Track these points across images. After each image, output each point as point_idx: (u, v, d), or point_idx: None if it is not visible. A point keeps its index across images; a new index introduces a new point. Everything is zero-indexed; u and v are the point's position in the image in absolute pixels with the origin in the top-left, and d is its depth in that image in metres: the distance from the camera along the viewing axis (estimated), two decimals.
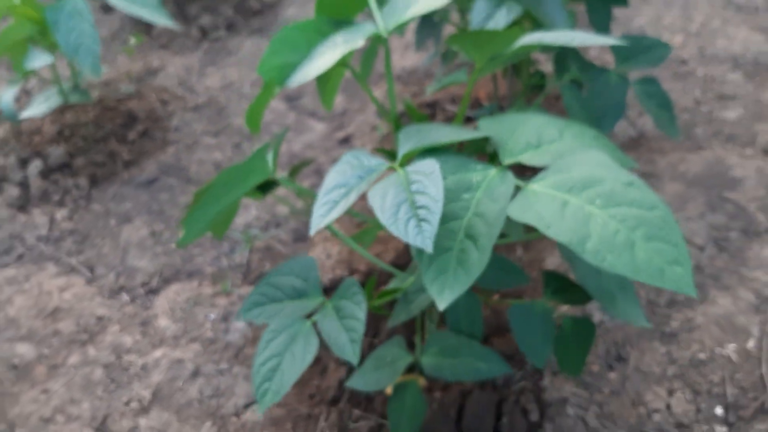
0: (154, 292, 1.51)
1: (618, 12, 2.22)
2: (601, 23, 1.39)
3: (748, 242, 1.47)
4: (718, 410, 1.21)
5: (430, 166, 0.80)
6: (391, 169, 0.86)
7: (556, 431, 1.19)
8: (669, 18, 2.15)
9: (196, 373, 1.32)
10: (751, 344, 1.28)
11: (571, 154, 0.81)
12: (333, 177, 0.86)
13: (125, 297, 1.50)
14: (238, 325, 1.41)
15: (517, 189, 0.80)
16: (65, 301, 1.47)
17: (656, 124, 1.41)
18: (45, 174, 1.74)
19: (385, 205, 0.79)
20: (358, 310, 0.88)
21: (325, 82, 1.20)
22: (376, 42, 1.22)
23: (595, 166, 0.78)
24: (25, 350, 1.38)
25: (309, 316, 0.94)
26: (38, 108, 1.71)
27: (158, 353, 1.37)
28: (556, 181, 0.78)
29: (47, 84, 1.91)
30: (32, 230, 1.64)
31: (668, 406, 1.22)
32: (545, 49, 1.40)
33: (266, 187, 1.10)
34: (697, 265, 1.43)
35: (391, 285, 1.09)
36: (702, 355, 1.28)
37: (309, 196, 1.13)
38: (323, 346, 1.03)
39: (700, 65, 1.95)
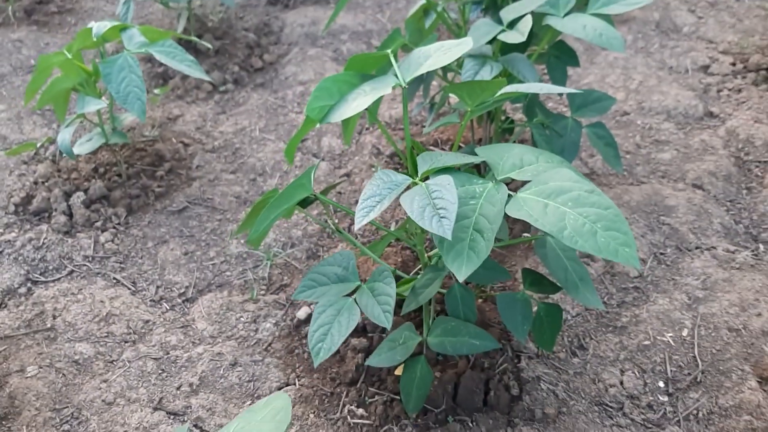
0: (190, 301, 1.77)
1: (570, 72, 2.61)
2: (559, 79, 1.75)
3: (681, 256, 1.82)
4: (661, 384, 1.52)
5: (446, 179, 1.11)
6: (413, 184, 1.17)
7: (532, 402, 1.49)
8: (612, 77, 2.55)
9: (234, 364, 1.59)
10: (685, 333, 1.61)
11: (546, 172, 1.14)
12: (369, 189, 1.16)
13: (165, 305, 1.76)
14: (267, 326, 1.68)
15: (509, 197, 1.12)
16: (115, 308, 1.72)
17: (604, 160, 1.76)
18: (87, 204, 2.01)
19: (413, 208, 1.10)
20: (389, 288, 1.18)
21: (347, 122, 1.52)
22: (378, 101, 1.54)
23: (565, 179, 1.11)
24: (84, 349, 1.63)
25: (350, 294, 1.23)
26: (84, 147, 1.99)
27: (200, 349, 1.63)
28: (538, 190, 1.10)
29: (85, 126, 2.19)
30: (79, 251, 1.89)
31: (621, 382, 1.53)
32: (515, 100, 1.75)
33: (306, 202, 1.40)
34: (640, 274, 1.77)
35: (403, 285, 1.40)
36: (647, 342, 1.60)
37: (342, 210, 1.44)
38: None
39: (639, 116, 2.34)
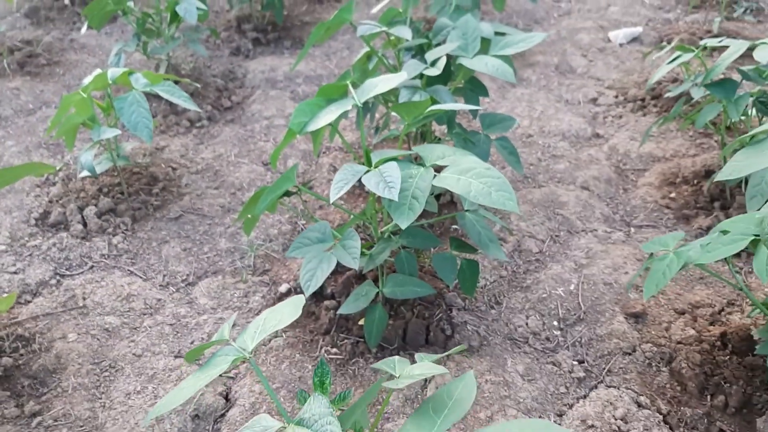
0: (191, 284, 2.23)
1: (486, 105, 3.21)
2: (473, 103, 2.32)
3: (571, 237, 2.38)
4: (555, 323, 2.06)
5: (392, 165, 1.64)
6: (370, 170, 1.69)
7: (461, 338, 2.00)
8: (519, 108, 3.16)
9: (234, 325, 2.05)
10: (572, 287, 2.16)
11: (459, 159, 1.68)
12: (339, 174, 1.68)
13: (172, 288, 2.21)
14: (256, 298, 2.16)
15: (435, 176, 1.65)
16: (132, 290, 2.17)
17: (509, 164, 2.33)
18: (98, 215, 2.45)
19: (371, 183, 1.61)
20: (355, 243, 1.69)
21: (316, 136, 2.04)
22: (341, 117, 2.07)
23: (471, 162, 1.65)
24: (112, 320, 2.06)
25: (328, 250, 1.73)
26: (97, 168, 2.44)
27: (204, 317, 2.09)
28: (454, 170, 1.64)
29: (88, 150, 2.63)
30: (96, 251, 2.33)
31: (527, 324, 2.06)
32: (439, 120, 2.30)
33: (289, 193, 1.90)
34: (540, 250, 2.33)
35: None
36: (544, 296, 2.14)
37: (317, 198, 1.94)
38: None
39: (540, 138, 2.94)
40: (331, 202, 1.62)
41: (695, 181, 2.60)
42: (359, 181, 1.70)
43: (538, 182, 2.67)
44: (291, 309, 1.33)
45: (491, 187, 1.59)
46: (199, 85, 2.97)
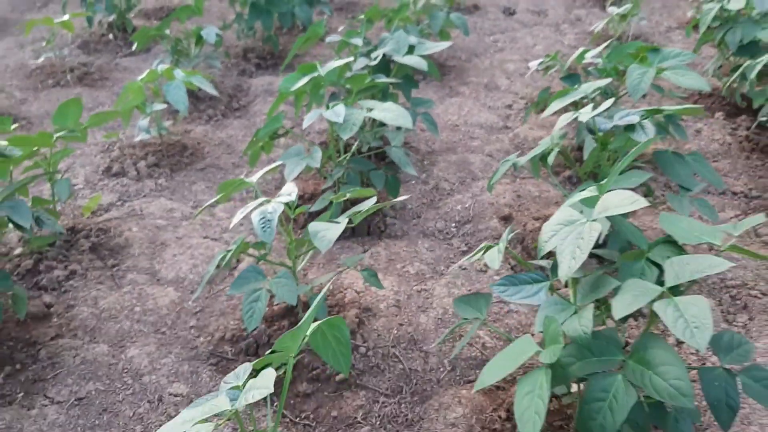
0: (212, 207, 3.29)
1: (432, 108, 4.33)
2: (406, 94, 3.43)
3: (473, 182, 3.47)
4: (452, 224, 3.12)
5: (341, 107, 2.73)
6: (328, 110, 2.78)
7: (391, 232, 3.05)
8: (452, 109, 4.29)
9: (241, 224, 3.10)
10: (467, 205, 3.23)
11: (382, 104, 2.78)
12: (308, 117, 2.77)
13: (200, 207, 3.27)
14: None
15: (369, 111, 2.75)
16: (173, 207, 3.23)
17: (429, 130, 3.42)
18: (147, 167, 3.53)
19: (329, 115, 2.71)
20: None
21: (297, 97, 3.15)
22: (311, 82, 3.17)
23: (388, 105, 2.75)
24: (160, 222, 3.11)
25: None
26: (149, 134, 3.53)
27: (222, 222, 3.14)
28: (378, 109, 2.74)
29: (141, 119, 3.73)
30: (147, 187, 3.40)
31: (435, 225, 3.12)
32: (381, 95, 3.41)
33: (278, 135, 2.99)
34: (451, 189, 3.40)
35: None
36: (449, 210, 3.21)
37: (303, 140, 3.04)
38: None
39: (464, 126, 4.07)
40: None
41: (571, 152, 3.70)
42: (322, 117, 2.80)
43: (456, 152, 3.77)
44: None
45: (398, 115, 2.68)
46: (216, 93, 4.10)
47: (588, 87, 2.82)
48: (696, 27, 4.15)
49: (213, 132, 4.02)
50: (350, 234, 3.03)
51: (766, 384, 1.75)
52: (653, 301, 1.57)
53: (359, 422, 2.11)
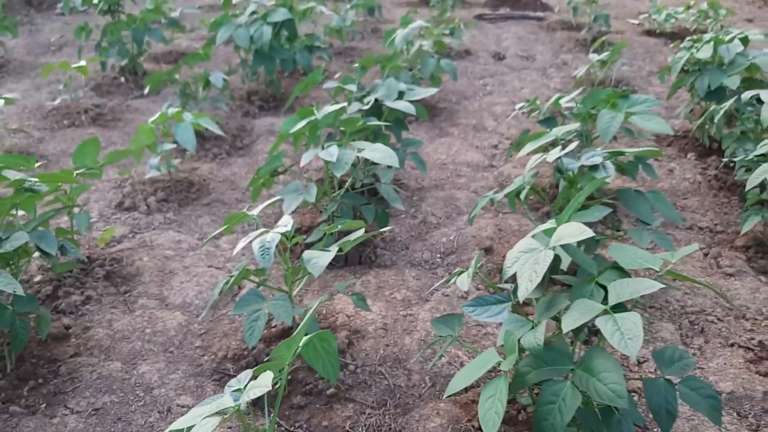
0: (216, 238, 3.56)
1: (423, 148, 4.63)
2: (397, 135, 3.73)
3: (459, 216, 3.74)
4: (438, 255, 3.39)
5: (334, 148, 3.02)
6: (323, 150, 3.07)
7: (381, 263, 3.32)
8: (441, 149, 4.59)
9: (243, 255, 3.37)
10: (451, 238, 3.50)
11: (372, 145, 3.08)
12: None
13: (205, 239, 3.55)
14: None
15: (359, 152, 3.04)
16: (181, 238, 3.50)
17: (417, 168, 3.71)
18: (157, 202, 3.82)
19: (324, 155, 3.00)
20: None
21: (297, 138, 3.44)
22: (309, 125, 3.46)
23: (378, 146, 3.04)
24: (169, 252, 3.39)
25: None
26: (159, 171, 3.82)
27: (225, 251, 3.41)
28: (368, 149, 3.03)
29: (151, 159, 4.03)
30: (156, 221, 3.68)
31: (422, 256, 3.38)
32: (372, 136, 3.70)
33: (277, 173, 3.28)
34: (437, 222, 3.68)
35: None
36: (434, 242, 3.47)
37: (303, 178, 3.33)
38: None
39: (451, 165, 4.36)
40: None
41: (549, 189, 3.99)
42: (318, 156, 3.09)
43: (444, 189, 4.06)
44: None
45: (386, 155, 2.97)
46: (222, 133, 4.41)
47: (559, 130, 3.12)
48: (669, 73, 4.47)
49: (218, 169, 4.32)
50: (343, 264, 3.30)
51: (702, 393, 2.00)
52: (596, 317, 1.83)
53: (347, 431, 2.34)
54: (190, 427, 1.62)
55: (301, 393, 2.49)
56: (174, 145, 3.72)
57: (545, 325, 1.96)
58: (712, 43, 4.15)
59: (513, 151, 4.26)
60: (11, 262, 2.48)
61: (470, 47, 6.92)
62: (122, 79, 5.71)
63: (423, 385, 2.55)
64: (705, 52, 4.21)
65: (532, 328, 1.98)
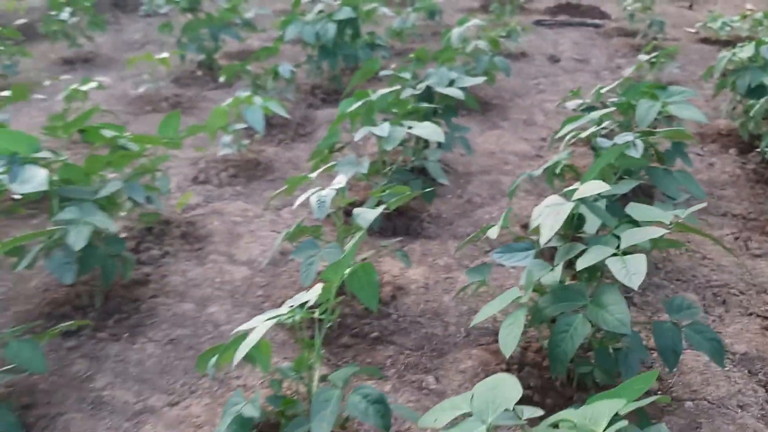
0: (278, 209, 3.93)
1: (471, 138, 4.91)
2: (448, 121, 4.02)
3: (502, 197, 4.00)
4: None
5: (386, 124, 3.34)
6: (375, 127, 3.39)
7: (426, 234, 3.61)
8: (491, 140, 4.85)
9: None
10: (494, 215, 3.77)
11: (421, 123, 3.38)
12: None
13: (269, 211, 3.91)
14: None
15: (409, 128, 3.35)
16: (247, 208, 3.88)
17: (464, 149, 3.98)
18: (227, 177, 4.22)
19: (377, 131, 3.32)
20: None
21: (353, 117, 3.78)
22: (364, 105, 3.79)
23: (427, 124, 3.34)
24: (236, 218, 3.77)
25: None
26: (229, 149, 4.22)
27: (289, 221, 3.77)
28: (418, 126, 3.34)
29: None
30: (226, 193, 4.08)
31: (465, 231, 3.66)
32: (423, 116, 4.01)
33: (334, 149, 3.62)
34: (481, 202, 3.95)
35: None
36: (478, 219, 3.75)
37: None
38: None
39: (499, 154, 4.62)
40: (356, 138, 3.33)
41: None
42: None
43: (490, 174, 4.33)
44: None
45: (433, 131, 3.28)
46: (288, 117, 4.80)
47: (596, 114, 3.36)
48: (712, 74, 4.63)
49: (282, 152, 4.70)
50: (391, 234, 3.61)
51: (705, 336, 2.23)
52: (607, 257, 2.09)
53: (388, 367, 2.65)
54: (252, 329, 1.95)
55: (348, 335, 2.80)
56: (245, 125, 4.12)
57: (562, 269, 2.22)
58: (753, 44, 4.31)
59: (555, 138, 4.50)
60: (105, 209, 2.87)
61: (526, 50, 7.16)
62: (199, 73, 6.20)
63: (458, 335, 2.83)
64: (747, 52, 4.37)
65: (551, 270, 2.24)
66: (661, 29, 7.18)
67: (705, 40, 7.63)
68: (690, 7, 9.59)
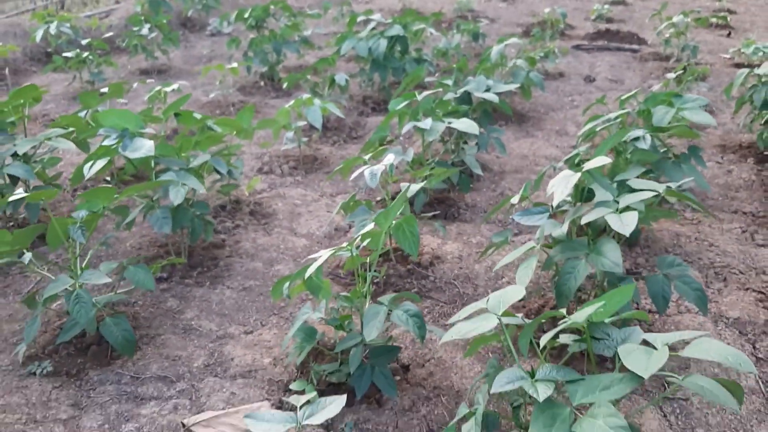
0: (333, 196, 4.47)
1: (507, 145, 5.40)
2: (484, 125, 4.53)
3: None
4: (510, 218, 4.15)
5: (429, 119, 3.88)
6: (418, 122, 3.93)
7: (461, 218, 4.11)
8: (525, 146, 5.35)
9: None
10: (519, 206, 4.26)
11: (459, 118, 3.91)
12: (406, 127, 3.94)
13: (325, 196, 4.46)
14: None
15: (449, 123, 3.88)
16: (306, 193, 4.45)
17: (498, 149, 4.49)
18: (289, 168, 4.80)
19: (420, 124, 3.85)
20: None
21: (401, 116, 4.33)
22: (409, 105, 4.33)
23: (465, 119, 3.87)
24: (297, 200, 4.33)
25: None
26: (291, 145, 4.80)
27: (338, 200, 4.32)
28: (457, 122, 3.87)
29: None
30: (287, 181, 4.66)
31: (498, 217, 4.15)
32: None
33: (384, 141, 4.15)
34: (498, 195, 4.44)
35: None
36: (508, 208, 4.24)
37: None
38: None
39: (532, 157, 5.11)
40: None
41: None
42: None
43: (522, 173, 4.82)
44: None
45: (469, 125, 3.79)
46: (342, 116, 5.37)
47: (611, 115, 3.84)
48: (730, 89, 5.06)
49: (336, 151, 5.28)
50: (432, 217, 4.12)
51: (692, 287, 2.67)
52: (606, 214, 2.56)
53: (425, 314, 3.14)
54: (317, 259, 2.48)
55: (392, 290, 3.32)
56: (305, 123, 4.70)
57: (569, 226, 2.70)
58: None
59: (581, 140, 4.97)
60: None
61: (564, 70, 7.65)
62: (261, 83, 6.86)
63: (486, 294, 3.31)
64: (764, 69, 4.79)
65: (561, 226, 2.73)
66: (694, 54, 7.60)
67: (738, 65, 8.01)
68: (728, 35, 9.95)
